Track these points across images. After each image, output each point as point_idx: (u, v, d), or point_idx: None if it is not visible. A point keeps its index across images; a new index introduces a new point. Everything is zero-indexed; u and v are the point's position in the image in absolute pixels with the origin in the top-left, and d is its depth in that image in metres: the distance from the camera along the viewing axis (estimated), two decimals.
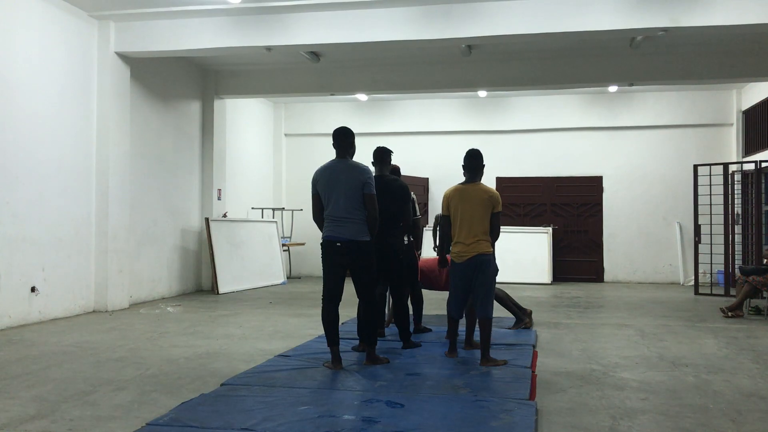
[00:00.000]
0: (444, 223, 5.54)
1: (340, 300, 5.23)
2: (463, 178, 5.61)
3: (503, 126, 13.81)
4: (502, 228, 6.00)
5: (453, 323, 5.65)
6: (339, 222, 5.09)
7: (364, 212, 5.12)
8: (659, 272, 13.32)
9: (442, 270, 6.88)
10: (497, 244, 5.64)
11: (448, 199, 5.48)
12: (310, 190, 5.33)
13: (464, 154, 5.59)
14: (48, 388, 4.61)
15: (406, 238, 6.27)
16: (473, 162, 5.49)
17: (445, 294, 6.61)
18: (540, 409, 4.09)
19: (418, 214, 6.73)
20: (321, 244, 5.23)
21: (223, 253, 11.26)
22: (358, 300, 5.34)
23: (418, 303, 6.70)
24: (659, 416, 4.03)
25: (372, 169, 5.56)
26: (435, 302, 8.57)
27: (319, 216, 5.26)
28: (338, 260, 5.13)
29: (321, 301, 5.26)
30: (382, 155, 6.12)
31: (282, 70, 11.54)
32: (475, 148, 5.64)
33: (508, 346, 5.99)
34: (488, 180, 6.45)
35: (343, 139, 5.28)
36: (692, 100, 13.18)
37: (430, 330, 6.80)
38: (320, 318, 5.27)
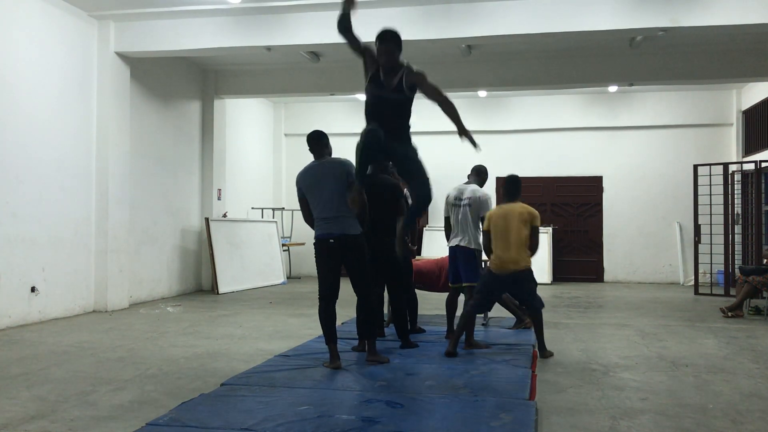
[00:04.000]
0: (485, 240, 5.90)
1: (336, 297, 5.24)
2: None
3: (503, 126, 13.81)
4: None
5: (469, 321, 5.78)
6: (329, 220, 5.12)
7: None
8: (659, 272, 13.32)
9: (441, 271, 6.89)
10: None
11: (489, 218, 5.81)
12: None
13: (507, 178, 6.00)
14: (48, 388, 4.62)
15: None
16: (513, 186, 5.91)
17: (444, 295, 6.63)
18: (540, 409, 4.09)
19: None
20: (314, 243, 5.24)
21: (223, 253, 11.26)
22: (357, 299, 5.35)
23: (412, 304, 6.62)
24: (659, 416, 4.03)
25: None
26: (435, 302, 8.56)
27: (309, 217, 5.31)
28: (332, 256, 5.15)
29: (318, 300, 5.26)
30: None
31: (282, 70, 11.53)
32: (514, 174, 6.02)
33: (508, 346, 5.98)
34: (488, 180, 6.49)
35: (317, 142, 5.32)
36: (692, 100, 13.18)
37: (423, 330, 6.77)
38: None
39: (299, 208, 5.40)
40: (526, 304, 6.05)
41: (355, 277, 5.22)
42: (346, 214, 5.11)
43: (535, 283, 5.85)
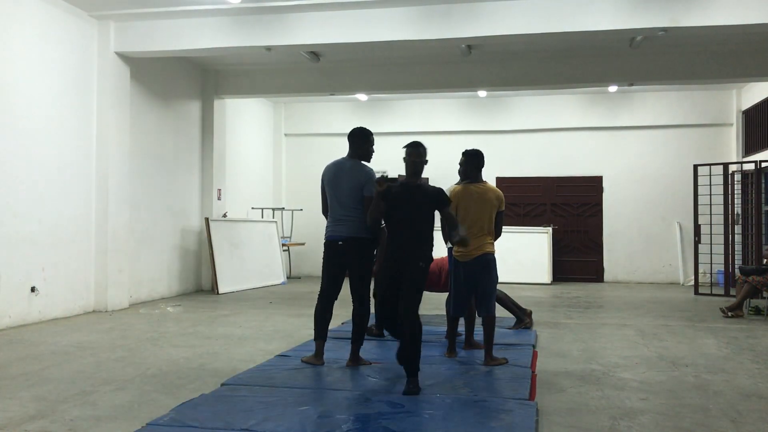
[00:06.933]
0: None
1: (336, 298, 5.29)
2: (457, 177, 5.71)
3: (503, 126, 13.81)
4: (503, 228, 6.02)
5: (453, 322, 5.66)
6: (339, 221, 5.13)
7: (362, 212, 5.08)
8: (659, 272, 13.32)
9: (441, 271, 6.89)
10: (497, 244, 5.67)
11: (457, 199, 5.42)
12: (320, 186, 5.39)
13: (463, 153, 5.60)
14: (48, 388, 4.61)
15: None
16: (479, 163, 5.53)
17: (444, 295, 6.62)
18: (540, 409, 4.09)
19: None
20: (324, 243, 5.26)
21: (223, 253, 11.26)
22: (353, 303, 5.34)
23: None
24: (659, 416, 4.03)
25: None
26: (435, 302, 8.56)
27: (325, 210, 5.34)
28: (339, 257, 5.16)
29: (318, 297, 5.28)
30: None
31: (282, 70, 11.53)
32: (477, 149, 5.63)
33: (507, 346, 5.98)
34: (488, 180, 6.44)
35: (354, 138, 5.27)
36: (692, 100, 13.18)
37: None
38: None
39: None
40: (483, 305, 5.37)
41: (354, 280, 5.21)
42: (354, 216, 5.09)
43: (497, 277, 5.43)
